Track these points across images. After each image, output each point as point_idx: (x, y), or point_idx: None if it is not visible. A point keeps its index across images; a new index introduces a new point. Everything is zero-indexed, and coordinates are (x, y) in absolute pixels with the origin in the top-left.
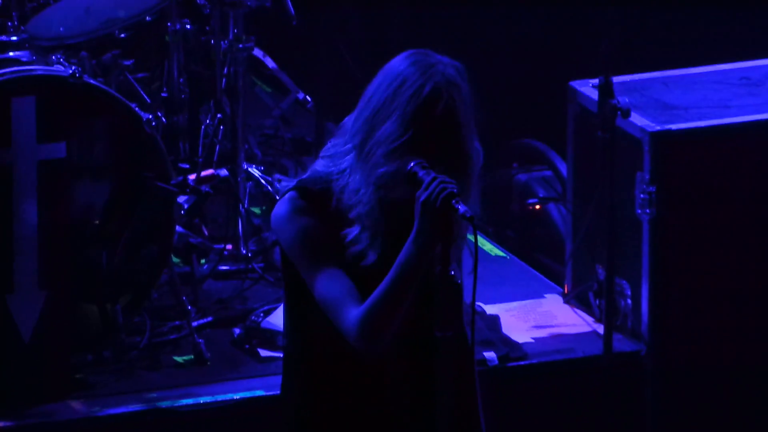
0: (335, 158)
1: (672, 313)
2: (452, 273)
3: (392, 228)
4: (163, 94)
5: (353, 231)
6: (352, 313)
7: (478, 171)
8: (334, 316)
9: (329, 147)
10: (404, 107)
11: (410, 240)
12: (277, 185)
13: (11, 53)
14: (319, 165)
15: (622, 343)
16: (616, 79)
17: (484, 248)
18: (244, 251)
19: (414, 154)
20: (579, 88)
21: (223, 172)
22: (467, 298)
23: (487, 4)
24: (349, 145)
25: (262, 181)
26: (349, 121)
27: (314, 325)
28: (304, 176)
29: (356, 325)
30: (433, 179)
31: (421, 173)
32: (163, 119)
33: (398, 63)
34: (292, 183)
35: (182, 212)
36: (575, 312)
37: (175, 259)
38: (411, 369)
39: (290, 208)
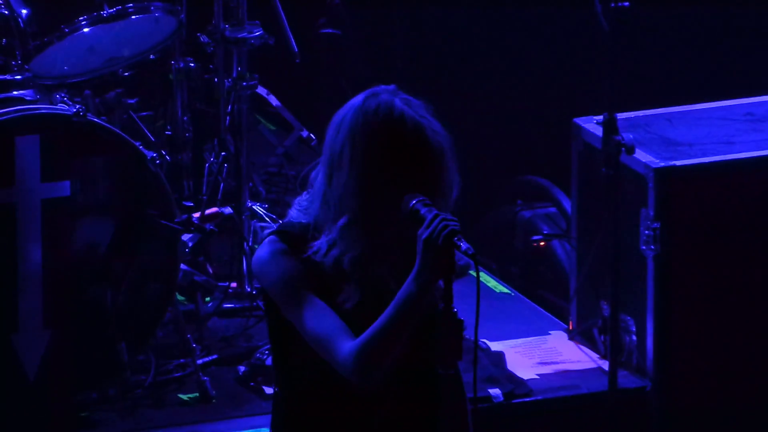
0: (310, 210)
1: (677, 349)
2: (455, 310)
3: (375, 271)
4: (167, 133)
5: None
6: (346, 346)
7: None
8: (328, 350)
9: (302, 200)
10: (363, 128)
11: (411, 277)
12: (260, 233)
13: (15, 92)
14: (294, 215)
15: (627, 380)
16: (620, 115)
17: (489, 285)
18: (249, 289)
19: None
20: (583, 125)
21: (228, 210)
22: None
23: (490, 42)
24: (320, 199)
25: (267, 219)
26: (315, 175)
27: (302, 367)
28: (283, 221)
29: (352, 358)
30: (435, 216)
31: (423, 211)
32: (167, 157)
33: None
34: (273, 228)
35: (186, 250)
36: (580, 348)
37: (179, 297)
38: (403, 407)
39: (271, 250)
